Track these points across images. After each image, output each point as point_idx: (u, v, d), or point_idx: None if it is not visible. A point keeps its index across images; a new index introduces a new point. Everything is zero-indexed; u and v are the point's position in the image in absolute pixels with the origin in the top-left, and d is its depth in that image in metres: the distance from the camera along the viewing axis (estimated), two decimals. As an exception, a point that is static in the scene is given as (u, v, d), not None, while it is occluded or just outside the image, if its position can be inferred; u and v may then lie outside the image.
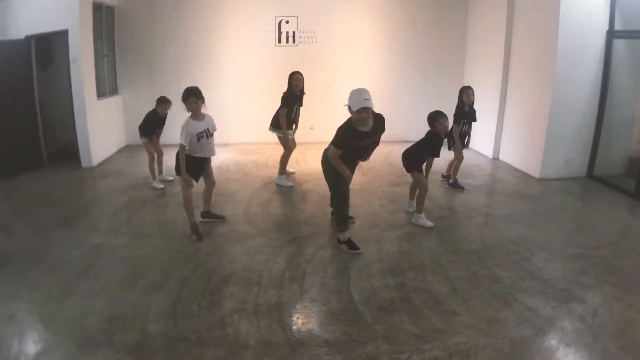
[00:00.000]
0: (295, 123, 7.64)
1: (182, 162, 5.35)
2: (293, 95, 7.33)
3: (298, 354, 3.53)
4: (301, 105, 7.53)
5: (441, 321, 3.94)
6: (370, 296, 4.34)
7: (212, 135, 5.59)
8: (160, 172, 7.55)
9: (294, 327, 3.89)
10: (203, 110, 5.56)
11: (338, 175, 5.05)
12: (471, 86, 7.23)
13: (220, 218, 6.09)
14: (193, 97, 5.39)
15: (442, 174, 7.74)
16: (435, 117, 5.92)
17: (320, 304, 4.23)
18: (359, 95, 4.75)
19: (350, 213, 5.64)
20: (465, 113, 7.17)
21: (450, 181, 7.45)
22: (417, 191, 6.03)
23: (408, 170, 6.07)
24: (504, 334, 3.77)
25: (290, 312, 4.09)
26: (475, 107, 7.23)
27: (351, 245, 5.23)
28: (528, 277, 4.69)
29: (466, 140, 7.37)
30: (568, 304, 4.18)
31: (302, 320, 4.00)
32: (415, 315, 4.03)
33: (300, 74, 7.37)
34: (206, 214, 6.03)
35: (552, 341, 3.68)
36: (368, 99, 4.72)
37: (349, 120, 4.92)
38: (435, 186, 7.34)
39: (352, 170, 5.15)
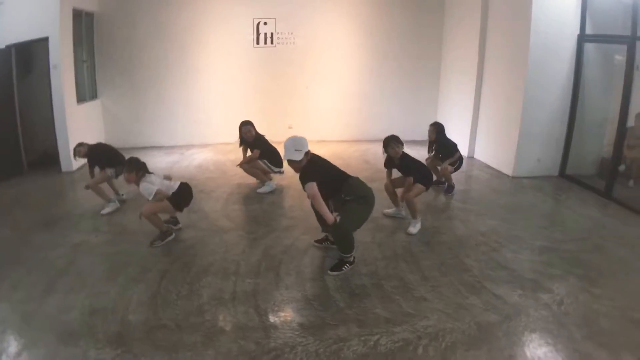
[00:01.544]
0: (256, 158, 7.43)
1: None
2: (244, 141, 7.45)
3: (272, 337, 3.67)
4: (263, 150, 7.37)
5: (411, 306, 4.11)
6: (343, 283, 4.51)
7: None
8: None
9: (270, 313, 4.03)
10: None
11: (359, 206, 4.76)
12: (433, 123, 7.44)
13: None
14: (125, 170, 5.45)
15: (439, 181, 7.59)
16: (385, 146, 5.88)
17: (295, 290, 4.39)
18: (291, 145, 4.64)
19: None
20: (433, 146, 7.36)
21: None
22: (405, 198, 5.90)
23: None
24: (471, 318, 3.94)
25: (266, 299, 4.23)
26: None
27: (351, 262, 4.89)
28: (496, 267, 4.87)
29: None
30: (535, 293, 4.35)
31: (277, 306, 4.14)
32: (386, 301, 4.19)
33: (248, 125, 7.32)
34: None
35: (518, 327, 3.83)
36: (299, 150, 4.59)
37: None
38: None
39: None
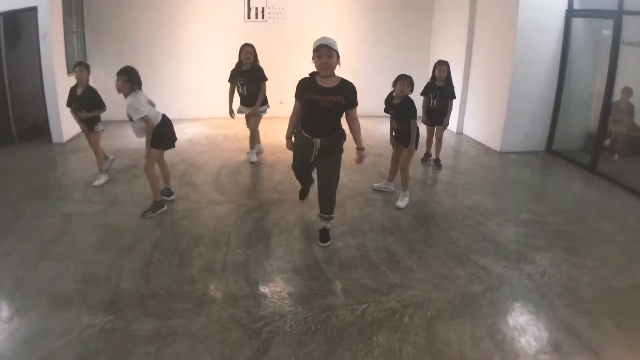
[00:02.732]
0: (248, 99, 7.24)
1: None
2: (237, 70, 7.15)
3: (262, 305, 3.77)
4: (253, 82, 7.11)
5: (397, 277, 4.22)
6: (332, 255, 4.61)
7: (129, 120, 5.32)
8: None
9: (260, 282, 4.12)
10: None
11: (294, 154, 4.79)
12: (446, 62, 7.06)
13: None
14: (117, 75, 5.21)
15: (432, 159, 7.52)
16: (396, 80, 5.68)
17: (284, 261, 4.47)
18: (322, 39, 4.28)
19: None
20: (436, 87, 7.00)
21: (433, 158, 7.45)
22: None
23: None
24: (456, 288, 4.06)
25: (256, 269, 4.32)
26: (452, 84, 7.14)
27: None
28: (482, 239, 4.99)
29: (444, 120, 7.16)
30: (518, 264, 4.48)
31: (267, 276, 4.23)
32: (374, 272, 4.30)
33: (249, 46, 7.07)
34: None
35: (501, 297, 3.95)
36: (331, 44, 4.27)
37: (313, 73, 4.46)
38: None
39: (310, 152, 4.52)
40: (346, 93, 4.37)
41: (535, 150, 8.37)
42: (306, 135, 4.49)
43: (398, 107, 5.65)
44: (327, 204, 4.74)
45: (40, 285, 4.00)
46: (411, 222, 5.38)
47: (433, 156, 7.45)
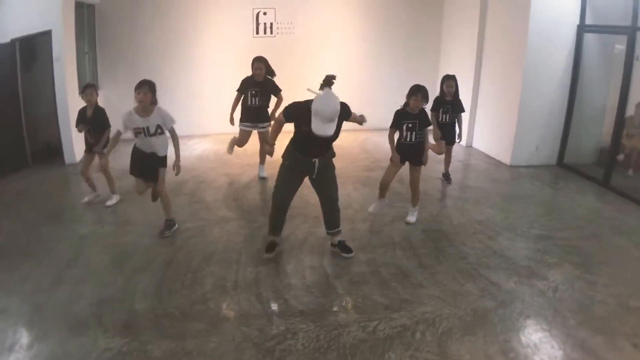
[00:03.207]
0: (257, 112, 7.18)
1: (111, 141, 5.41)
2: (250, 80, 7.08)
3: (275, 324, 3.80)
4: (266, 93, 7.12)
5: (408, 293, 4.23)
6: (342, 271, 4.64)
7: (155, 134, 5.18)
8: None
9: (271, 300, 4.15)
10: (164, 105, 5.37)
11: (281, 180, 4.78)
12: (454, 76, 7.01)
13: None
14: (138, 89, 5.05)
15: (442, 174, 7.50)
16: (411, 93, 5.48)
17: (295, 278, 4.51)
18: (323, 113, 4.18)
19: None
20: (445, 102, 6.95)
21: (443, 172, 7.39)
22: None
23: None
24: (467, 305, 4.06)
25: (268, 287, 4.36)
26: (460, 97, 7.13)
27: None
28: (492, 254, 4.99)
29: (456, 134, 7.26)
30: (530, 280, 4.47)
31: (278, 294, 4.26)
32: (385, 288, 4.32)
33: (259, 61, 7.02)
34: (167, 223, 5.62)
35: (513, 313, 3.95)
36: (333, 121, 4.26)
37: (311, 101, 4.37)
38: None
39: (311, 169, 4.65)
40: (339, 121, 4.48)
41: (546, 164, 8.34)
42: (302, 156, 4.59)
43: (418, 116, 5.53)
44: (333, 217, 4.88)
45: (58, 310, 4.03)
46: (421, 237, 5.40)
47: (443, 171, 7.44)
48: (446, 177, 7.38)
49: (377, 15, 10.80)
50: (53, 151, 8.98)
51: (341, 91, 11.00)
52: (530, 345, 3.54)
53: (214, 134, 10.45)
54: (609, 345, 3.54)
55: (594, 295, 4.21)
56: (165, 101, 10.24)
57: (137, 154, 5.29)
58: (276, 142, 4.86)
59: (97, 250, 5.17)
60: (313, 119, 4.20)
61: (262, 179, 7.48)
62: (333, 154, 4.79)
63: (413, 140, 5.55)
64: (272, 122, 6.83)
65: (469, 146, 9.69)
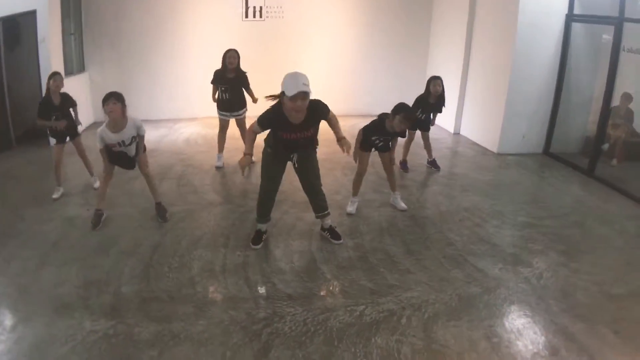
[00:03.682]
0: (229, 104, 7.17)
1: (103, 159, 5.25)
2: (222, 76, 7.07)
3: (262, 307, 3.82)
4: (236, 89, 7.09)
5: (395, 278, 4.27)
6: (330, 256, 4.66)
7: (129, 144, 5.16)
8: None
9: (259, 284, 4.17)
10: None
11: (264, 168, 4.78)
12: (440, 77, 7.02)
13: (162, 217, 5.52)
14: (106, 101, 4.89)
15: (427, 160, 7.54)
16: (396, 112, 5.29)
17: (283, 263, 4.53)
18: (295, 80, 4.07)
19: None
20: (428, 104, 6.97)
21: (400, 160, 7.23)
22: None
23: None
24: (453, 290, 4.11)
25: (256, 271, 4.37)
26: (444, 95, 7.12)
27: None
28: (479, 241, 5.03)
29: (429, 123, 7.22)
30: (515, 267, 4.52)
31: (266, 278, 4.27)
32: (372, 273, 4.35)
33: (234, 51, 6.99)
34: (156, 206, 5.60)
35: (498, 299, 4.00)
36: (306, 84, 4.06)
37: (279, 104, 4.31)
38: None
39: (284, 161, 4.72)
40: (315, 121, 4.48)
41: (533, 153, 8.39)
42: (285, 152, 4.60)
43: (391, 134, 5.51)
44: (319, 201, 4.88)
45: (43, 292, 4.02)
46: (408, 224, 5.43)
47: (428, 158, 7.46)
48: (433, 164, 7.40)
49: (366, 1, 10.74)
50: (38, 132, 8.88)
51: (330, 76, 11.05)
52: (513, 331, 3.59)
53: (201, 117, 10.38)
54: (590, 331, 3.59)
55: (577, 283, 4.27)
56: (152, 84, 10.31)
57: (113, 153, 5.20)
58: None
59: (83, 233, 5.14)
60: (286, 90, 4.09)
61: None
62: (315, 144, 4.76)
63: (381, 144, 5.58)
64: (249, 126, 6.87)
65: (456, 134, 9.72)
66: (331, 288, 4.12)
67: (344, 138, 4.50)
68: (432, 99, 6.94)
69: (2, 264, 4.48)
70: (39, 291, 4.04)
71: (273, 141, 4.56)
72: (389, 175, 5.80)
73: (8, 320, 3.67)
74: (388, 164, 5.72)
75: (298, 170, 4.77)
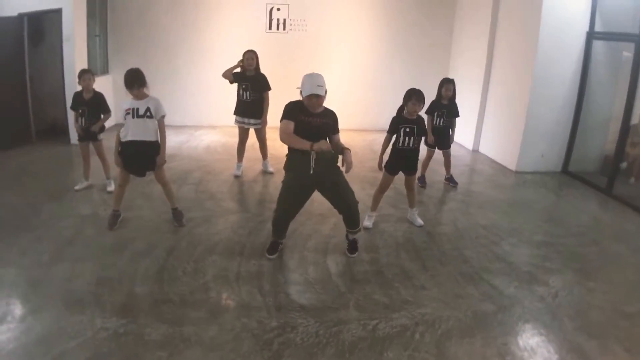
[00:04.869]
0: (250, 107, 7.08)
1: (116, 162, 5.20)
2: (242, 75, 7.07)
3: (274, 317, 3.79)
4: (256, 88, 7.00)
5: (410, 294, 4.22)
6: (345, 269, 4.63)
7: (143, 116, 5.05)
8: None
9: (272, 294, 4.14)
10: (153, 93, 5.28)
11: (282, 195, 4.65)
12: (453, 80, 7.02)
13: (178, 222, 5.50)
14: (128, 89, 5.06)
15: (445, 177, 7.46)
16: (408, 97, 5.38)
17: (297, 274, 4.50)
18: (311, 81, 4.34)
19: None
20: (442, 105, 6.91)
21: (418, 175, 6.86)
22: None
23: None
24: (468, 307, 4.06)
25: (270, 280, 4.35)
26: (457, 101, 7.06)
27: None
28: (495, 259, 4.98)
29: (449, 141, 7.13)
30: (530, 285, 4.47)
31: (280, 288, 4.25)
32: (386, 288, 4.31)
33: (251, 52, 7.01)
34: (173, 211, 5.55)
35: (512, 317, 3.95)
36: (321, 86, 4.32)
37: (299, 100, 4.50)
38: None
39: (304, 165, 4.41)
40: (331, 117, 4.55)
41: (551, 171, 8.32)
42: (302, 152, 4.36)
43: (416, 121, 5.40)
44: (354, 219, 4.81)
45: (55, 286, 4.06)
46: (425, 239, 5.38)
47: (446, 175, 7.40)
48: (451, 180, 7.35)
49: (389, 15, 10.77)
50: (59, 129, 8.98)
51: (352, 90, 11.04)
52: (527, 349, 3.55)
53: (222, 125, 10.43)
54: (603, 349, 3.58)
55: (592, 301, 4.24)
56: (175, 91, 10.39)
57: (127, 149, 5.10)
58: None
59: (98, 231, 5.17)
60: (303, 90, 4.36)
61: (269, 174, 7.45)
62: (335, 157, 4.52)
63: (411, 145, 5.39)
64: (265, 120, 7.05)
65: (475, 151, 9.66)
66: (345, 301, 4.08)
67: (348, 149, 4.45)
68: (444, 101, 6.93)
69: (15, 256, 4.53)
70: (51, 285, 4.08)
71: (291, 151, 4.50)
72: (410, 192, 5.73)
73: (18, 310, 3.71)
74: (411, 184, 5.67)
75: (329, 191, 4.67)
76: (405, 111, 5.40)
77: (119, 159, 5.14)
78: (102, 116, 6.29)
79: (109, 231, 5.17)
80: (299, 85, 4.44)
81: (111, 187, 6.37)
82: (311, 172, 4.39)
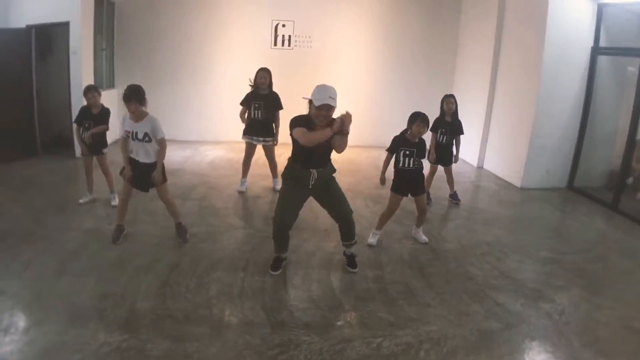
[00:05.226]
0: (261, 125, 7.03)
1: (122, 152, 5.21)
2: (254, 93, 7.02)
3: (278, 334, 3.76)
4: (269, 107, 6.98)
5: (414, 311, 4.19)
6: (349, 286, 4.59)
7: (141, 140, 5.06)
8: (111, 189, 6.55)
9: (276, 310, 4.10)
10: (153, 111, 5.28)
11: (281, 201, 4.67)
12: (453, 94, 7.06)
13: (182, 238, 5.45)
14: (125, 102, 5.00)
15: (449, 194, 7.39)
16: (413, 119, 5.37)
17: (302, 290, 4.47)
18: (324, 92, 4.30)
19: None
20: (446, 122, 6.90)
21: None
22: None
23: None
24: (473, 325, 4.02)
25: (273, 297, 4.32)
26: (461, 118, 7.06)
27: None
28: (500, 276, 4.94)
29: (453, 155, 7.11)
30: (537, 302, 4.43)
31: (283, 305, 4.22)
32: (391, 305, 4.27)
33: (265, 71, 6.99)
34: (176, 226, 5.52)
35: (519, 335, 3.91)
36: (333, 98, 4.30)
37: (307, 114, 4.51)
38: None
39: (307, 181, 4.54)
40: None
41: (557, 187, 8.31)
42: (300, 166, 4.52)
43: (416, 145, 5.40)
44: (349, 231, 4.83)
45: (59, 299, 4.05)
46: (429, 256, 5.35)
47: (450, 191, 7.34)
48: (454, 197, 7.30)
49: (393, 33, 10.83)
50: (64, 142, 8.99)
51: (357, 107, 11.06)
52: (534, 367, 3.51)
53: (227, 141, 10.45)
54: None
55: (599, 318, 4.22)
56: (180, 106, 10.44)
57: (131, 163, 5.18)
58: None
59: (102, 245, 5.16)
60: (314, 100, 4.31)
61: (277, 192, 7.38)
62: (333, 169, 4.74)
63: (412, 166, 5.38)
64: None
65: (480, 167, 9.65)
66: (349, 318, 4.06)
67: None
68: (447, 117, 6.91)
69: (19, 268, 4.52)
70: (54, 298, 4.07)
71: (292, 161, 4.59)
72: (421, 214, 5.66)
73: (22, 322, 3.71)
74: (422, 205, 5.60)
75: (323, 199, 4.76)
76: (409, 132, 5.38)
77: (127, 170, 5.15)
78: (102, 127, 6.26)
79: (113, 245, 5.15)
80: (305, 95, 4.47)
81: (115, 202, 6.34)
82: (310, 187, 4.55)
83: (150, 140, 5.07)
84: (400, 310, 4.20)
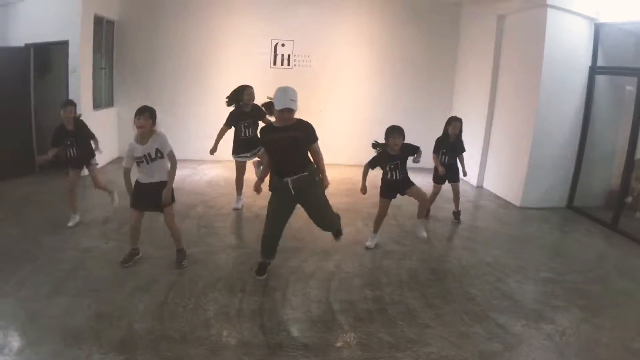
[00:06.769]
0: (250, 142, 7.14)
1: (125, 183, 5.07)
2: (240, 113, 7.08)
3: (276, 355, 3.71)
4: (255, 122, 7.05)
5: (414, 332, 4.14)
6: (348, 307, 4.54)
7: (154, 159, 4.93)
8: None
9: (274, 331, 4.06)
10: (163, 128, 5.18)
11: (268, 212, 4.93)
12: (460, 119, 7.00)
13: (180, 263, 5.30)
14: (139, 115, 4.91)
15: (453, 212, 7.35)
16: (388, 134, 5.76)
17: (300, 311, 4.42)
18: (284, 95, 4.45)
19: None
20: (449, 143, 6.93)
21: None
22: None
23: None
24: (474, 347, 3.98)
25: (272, 318, 4.27)
26: (462, 138, 7.06)
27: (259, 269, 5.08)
28: (500, 296, 4.90)
29: (460, 171, 7.13)
30: (537, 323, 4.39)
31: (282, 325, 4.17)
32: (391, 326, 4.23)
33: (251, 88, 7.05)
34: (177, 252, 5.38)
35: (519, 356, 3.87)
36: (294, 100, 4.46)
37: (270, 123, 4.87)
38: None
39: (283, 189, 4.69)
40: (303, 128, 4.68)
41: (556, 207, 8.28)
42: (279, 177, 4.70)
43: (399, 155, 5.78)
44: (332, 228, 5.23)
45: (54, 319, 4.01)
46: (429, 277, 5.31)
47: (454, 209, 7.30)
48: (456, 216, 7.28)
49: (392, 52, 10.88)
50: (61, 161, 8.94)
51: (354, 125, 11.04)
52: (535, 390, 3.46)
53: (225, 160, 10.39)
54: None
55: (600, 339, 4.19)
56: (178, 125, 10.44)
57: (139, 189, 5.03)
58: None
59: (99, 265, 5.12)
60: (276, 104, 4.49)
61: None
62: (313, 174, 4.78)
63: (398, 177, 5.77)
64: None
65: (479, 187, 9.65)
66: (348, 340, 4.01)
67: (325, 186, 4.95)
68: (451, 138, 6.93)
69: (14, 288, 4.49)
70: (49, 318, 4.03)
71: (272, 172, 4.80)
72: (421, 203, 5.92)
73: (16, 342, 3.67)
74: (418, 194, 5.83)
75: (303, 202, 4.88)
76: (387, 147, 5.72)
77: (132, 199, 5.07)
78: (92, 143, 6.28)
79: (110, 265, 5.10)
80: (270, 95, 4.63)
81: (116, 203, 6.45)
82: (292, 193, 4.70)
83: (162, 156, 4.96)
84: (400, 331, 4.16)
